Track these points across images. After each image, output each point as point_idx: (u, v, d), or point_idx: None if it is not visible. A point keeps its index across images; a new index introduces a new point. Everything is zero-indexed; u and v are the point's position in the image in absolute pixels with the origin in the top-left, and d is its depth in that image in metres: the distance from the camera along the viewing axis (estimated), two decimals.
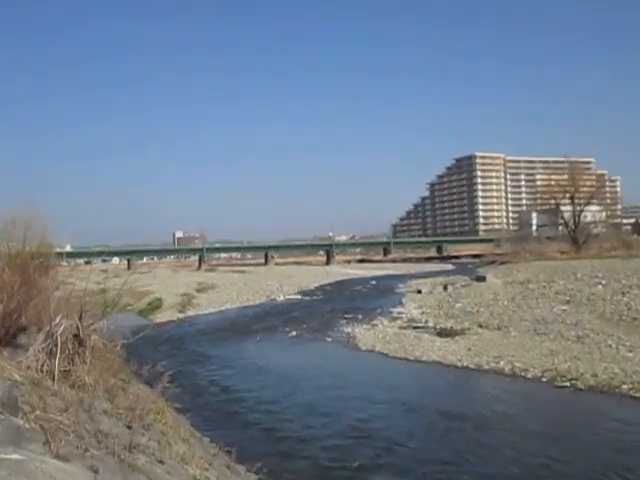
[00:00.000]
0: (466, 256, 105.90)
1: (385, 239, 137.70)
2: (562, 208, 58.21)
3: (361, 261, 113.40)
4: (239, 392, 16.02)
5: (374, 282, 58.48)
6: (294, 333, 26.20)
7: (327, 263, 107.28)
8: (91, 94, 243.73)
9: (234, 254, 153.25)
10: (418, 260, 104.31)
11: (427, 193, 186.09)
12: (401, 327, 25.67)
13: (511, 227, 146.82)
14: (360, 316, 30.45)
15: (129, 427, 6.15)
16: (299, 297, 45.64)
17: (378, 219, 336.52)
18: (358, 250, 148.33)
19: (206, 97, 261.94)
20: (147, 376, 8.08)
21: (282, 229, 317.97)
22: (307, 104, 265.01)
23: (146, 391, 8.41)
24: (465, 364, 17.85)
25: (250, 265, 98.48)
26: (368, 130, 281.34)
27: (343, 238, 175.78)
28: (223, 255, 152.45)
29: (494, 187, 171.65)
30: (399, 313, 30.43)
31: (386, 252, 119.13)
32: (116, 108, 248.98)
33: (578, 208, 55.44)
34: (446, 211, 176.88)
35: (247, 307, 40.18)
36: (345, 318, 30.18)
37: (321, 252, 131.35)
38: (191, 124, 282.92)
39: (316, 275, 70.36)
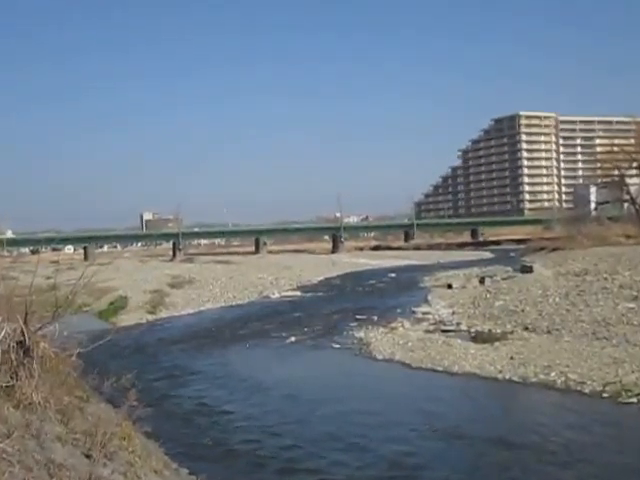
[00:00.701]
0: (508, 241, 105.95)
1: (406, 221, 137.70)
2: (628, 181, 58.01)
3: (376, 248, 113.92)
4: (225, 414, 16.11)
5: (393, 274, 58.62)
6: (293, 339, 26.32)
7: (334, 251, 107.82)
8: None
9: (217, 240, 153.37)
10: (448, 247, 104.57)
11: (459, 163, 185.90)
12: (427, 331, 25.76)
13: (564, 205, 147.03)
14: (375, 317, 30.57)
15: (88, 456, 6.18)
16: (299, 294, 45.80)
17: (397, 196, 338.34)
18: (372, 235, 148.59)
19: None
20: (110, 393, 8.11)
21: (278, 209, 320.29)
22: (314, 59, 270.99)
23: (109, 412, 8.44)
24: (507, 376, 17.90)
25: (237, 254, 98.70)
26: (383, 90, 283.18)
27: (354, 220, 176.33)
28: (204, 242, 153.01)
29: (543, 155, 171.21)
30: (424, 313, 30.53)
31: (408, 237, 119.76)
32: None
33: None
34: (483, 185, 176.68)
35: (234, 307, 40.36)
36: (356, 320, 30.33)
37: (326, 237, 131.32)
38: (169, 71, 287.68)
39: (320, 266, 70.56)
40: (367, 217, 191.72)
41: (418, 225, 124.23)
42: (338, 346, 24.26)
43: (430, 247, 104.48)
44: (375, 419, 14.71)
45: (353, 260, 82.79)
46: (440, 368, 19.34)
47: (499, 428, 13.89)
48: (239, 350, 25.17)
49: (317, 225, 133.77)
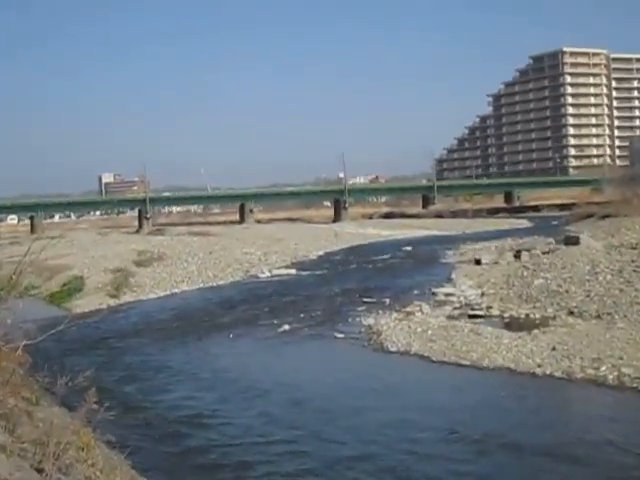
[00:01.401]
0: (549, 207, 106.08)
1: (425, 182, 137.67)
2: None
3: (388, 216, 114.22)
4: (202, 419, 16.17)
5: (409, 248, 58.82)
6: (286, 327, 26.43)
7: (336, 219, 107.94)
8: None
9: (193, 208, 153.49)
10: (476, 214, 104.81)
11: (489, 111, 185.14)
12: (450, 316, 25.87)
13: (617, 162, 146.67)
14: (387, 300, 30.70)
15: (39, 470, 6.20)
16: (293, 272, 45.94)
17: (413, 152, 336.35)
18: (384, 199, 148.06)
19: None
20: (64, 394, 8.10)
21: (268, 171, 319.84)
22: None
23: (63, 417, 8.46)
24: (548, 371, 17.98)
25: (218, 224, 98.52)
26: (395, 25, 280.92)
27: (360, 181, 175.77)
28: (176, 209, 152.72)
29: (592, 101, 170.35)
30: (447, 295, 30.63)
31: (427, 202, 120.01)
32: None
33: None
34: (518, 138, 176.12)
35: (214, 288, 40.53)
36: (364, 303, 30.46)
37: (327, 203, 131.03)
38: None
39: (319, 238, 70.60)
40: (377, 178, 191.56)
41: (439, 187, 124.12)
42: (342, 336, 24.35)
43: (454, 214, 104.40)
44: (400, 431, 14.54)
45: (360, 231, 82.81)
46: (467, 362, 19.42)
47: (547, 436, 13.87)
48: (221, 342, 25.27)
49: (316, 188, 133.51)
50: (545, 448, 13.17)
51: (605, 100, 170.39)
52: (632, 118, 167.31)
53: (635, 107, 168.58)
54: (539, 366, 18.39)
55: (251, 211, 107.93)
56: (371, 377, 19.19)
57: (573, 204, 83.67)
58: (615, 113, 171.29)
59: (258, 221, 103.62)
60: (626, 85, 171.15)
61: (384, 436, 14.28)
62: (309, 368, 21.15)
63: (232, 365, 21.69)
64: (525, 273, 32.12)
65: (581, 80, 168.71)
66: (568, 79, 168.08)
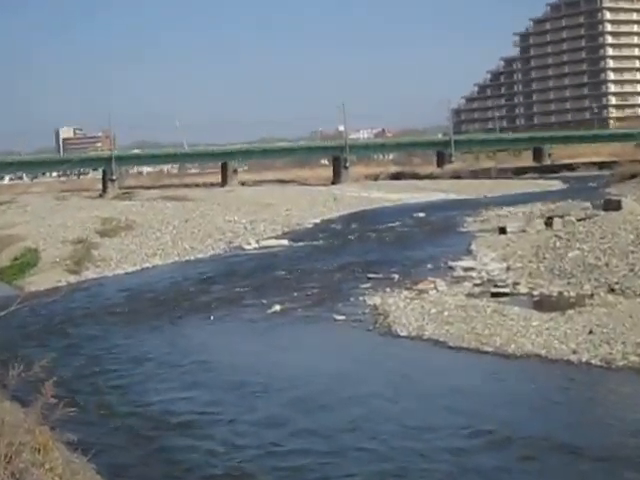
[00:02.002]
0: (586, 165, 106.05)
1: (440, 136, 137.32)
2: None
3: (397, 176, 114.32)
4: (183, 416, 16.15)
5: (421, 214, 58.90)
6: (277, 308, 26.43)
7: (335, 181, 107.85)
8: None
9: (168, 167, 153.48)
10: (500, 174, 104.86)
11: (515, 53, 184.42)
12: (470, 294, 25.91)
13: None
14: (396, 276, 30.79)
15: None
16: (285, 243, 45.97)
17: (426, 101, 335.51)
18: (391, 157, 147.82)
19: None
20: (17, 387, 8.08)
21: (256, 123, 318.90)
22: None
23: (16, 413, 8.43)
24: (585, 358, 17.99)
25: (197, 187, 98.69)
26: None
27: (364, 136, 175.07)
28: (147, 170, 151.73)
29: (635, 40, 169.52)
30: (466, 269, 30.74)
31: (442, 160, 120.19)
32: None
33: None
34: (550, 84, 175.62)
35: (192, 263, 40.59)
36: (369, 280, 30.54)
37: (324, 162, 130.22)
38: None
39: (315, 203, 70.62)
40: (383, 132, 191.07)
41: (457, 143, 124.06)
42: (342, 317, 24.35)
43: (474, 174, 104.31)
44: (423, 439, 14.12)
45: (363, 194, 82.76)
46: (489, 348, 19.42)
47: (598, 436, 13.75)
48: (200, 325, 25.28)
49: (311, 144, 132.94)
50: (602, 451, 12.91)
51: None
52: None
53: None
54: (574, 352, 18.39)
55: (235, 171, 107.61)
56: (378, 367, 19.18)
57: (614, 162, 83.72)
58: None
59: (243, 183, 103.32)
60: None
61: (409, 444, 13.92)
62: (305, 357, 21.08)
63: (213, 353, 21.69)
64: (558, 244, 32.11)
65: (623, 16, 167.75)
66: (608, 15, 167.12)
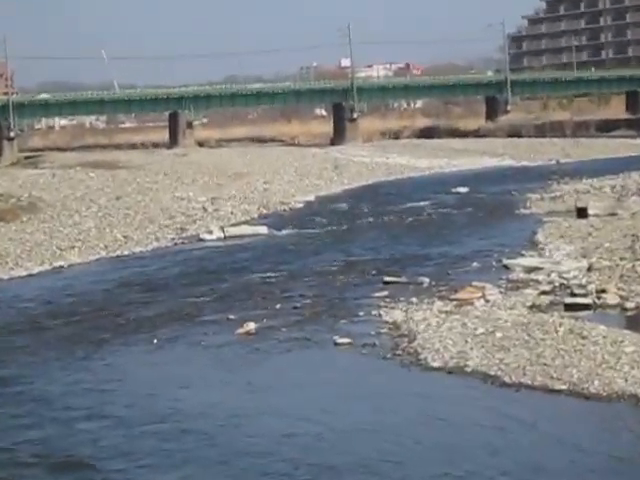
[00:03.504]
0: None
1: (490, 75, 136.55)
2: None
3: (427, 133, 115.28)
4: None
5: (463, 189, 59.26)
6: (251, 326, 26.24)
7: (337, 140, 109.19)
8: None
9: (90, 120, 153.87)
10: (579, 129, 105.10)
11: None
12: (534, 306, 25.89)
13: None
14: (426, 279, 30.80)
15: None
16: (263, 231, 45.94)
17: (468, 22, 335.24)
18: (419, 105, 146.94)
19: None
20: None
21: (220, 54, 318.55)
22: None
23: None
24: None
25: (133, 148, 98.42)
26: None
27: (379, 74, 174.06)
28: (61, 123, 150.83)
29: None
30: (529, 270, 30.80)
31: (494, 110, 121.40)
32: None
33: None
34: None
35: (126, 260, 40.55)
36: (386, 285, 30.61)
37: (321, 112, 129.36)
38: None
39: (308, 172, 70.99)
40: (408, 68, 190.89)
41: (516, 84, 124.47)
42: (346, 341, 24.18)
43: (541, 131, 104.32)
44: None
45: (378, 159, 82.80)
46: (563, 385, 19.25)
47: None
48: (136, 353, 24.99)
49: (301, 86, 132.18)
50: None
51: None
52: None
53: None
54: None
55: (190, 126, 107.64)
56: (404, 422, 18.52)
57: None
58: None
59: (201, 144, 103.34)
60: None
61: None
62: (292, 405, 20.29)
63: (156, 397, 21.24)
64: None
65: None
66: None
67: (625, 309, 25.11)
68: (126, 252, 41.92)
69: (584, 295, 26.50)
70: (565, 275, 29.34)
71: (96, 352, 25.49)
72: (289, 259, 37.74)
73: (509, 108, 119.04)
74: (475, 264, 32.84)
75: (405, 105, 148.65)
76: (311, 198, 58.90)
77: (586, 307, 25.32)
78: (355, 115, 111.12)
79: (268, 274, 34.49)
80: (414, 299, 27.81)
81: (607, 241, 32.98)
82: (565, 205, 44.58)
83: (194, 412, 19.71)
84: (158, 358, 24.59)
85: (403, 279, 31.12)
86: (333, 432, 17.97)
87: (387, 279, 31.27)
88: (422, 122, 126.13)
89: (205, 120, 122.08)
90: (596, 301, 25.90)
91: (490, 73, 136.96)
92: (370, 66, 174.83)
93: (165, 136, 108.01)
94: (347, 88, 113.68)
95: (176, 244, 43.94)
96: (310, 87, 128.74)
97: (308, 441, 17.55)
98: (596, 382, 19.30)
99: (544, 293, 27.42)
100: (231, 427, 18.80)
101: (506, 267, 31.57)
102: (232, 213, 51.56)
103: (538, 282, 28.81)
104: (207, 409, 20.02)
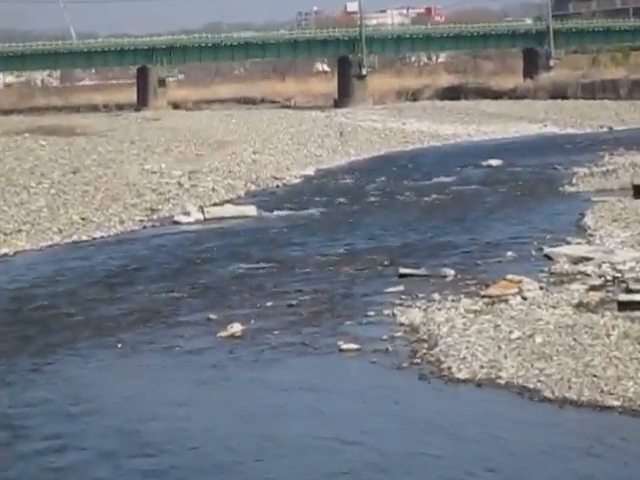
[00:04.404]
0: None
1: (529, 23, 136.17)
2: None
3: (453, 94, 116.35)
4: None
5: (496, 161, 59.51)
6: (237, 328, 26.27)
7: (342, 102, 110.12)
8: None
9: (43, 75, 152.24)
10: (635, 89, 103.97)
11: None
12: (581, 304, 25.88)
13: None
14: (451, 271, 30.87)
15: None
16: (252, 212, 45.99)
17: None
18: (443, 59, 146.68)
19: None
20: None
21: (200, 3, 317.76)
22: None
23: None
24: None
25: (95, 110, 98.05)
26: None
27: (394, 21, 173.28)
28: (6, 79, 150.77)
29: None
30: (575, 260, 30.79)
31: (533, 66, 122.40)
32: None
33: None
34: None
35: (85, 247, 40.60)
36: (402, 277, 30.72)
37: (322, 67, 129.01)
38: None
39: (307, 140, 71.45)
40: (430, 14, 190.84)
41: (560, 34, 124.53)
42: (353, 346, 24.18)
43: (590, 91, 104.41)
44: None
45: (391, 125, 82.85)
46: (616, 402, 19.23)
47: None
48: (97, 360, 24.96)
49: (299, 35, 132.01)
50: None
51: None
52: None
53: None
54: None
55: (163, 84, 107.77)
56: (424, 452, 18.26)
57: None
58: None
59: (176, 105, 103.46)
60: None
61: None
62: (291, 427, 20.09)
63: (116, 417, 21.19)
64: None
65: None
66: None
67: None
68: (85, 237, 41.88)
69: None
70: (620, 267, 29.30)
71: (46, 362, 25.34)
72: (283, 246, 37.85)
73: (552, 64, 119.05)
74: (510, 253, 32.87)
75: (425, 59, 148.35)
76: (310, 172, 58.97)
77: None
78: (364, 71, 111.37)
79: (257, 265, 34.57)
80: (436, 296, 27.80)
81: None
82: (619, 182, 44.55)
83: (155, 440, 19.23)
84: (122, 367, 24.54)
85: (422, 271, 31.17)
86: (331, 462, 17.53)
87: (403, 271, 31.30)
88: (446, 80, 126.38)
89: (181, 77, 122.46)
90: None
91: (529, 21, 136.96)
92: (383, 11, 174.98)
93: (132, 96, 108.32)
94: (354, 38, 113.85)
95: (145, 228, 43.99)
96: (309, 36, 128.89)
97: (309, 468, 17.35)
98: None
99: (594, 289, 27.41)
100: (214, 450, 18.46)
101: (548, 257, 31.57)
102: (214, 190, 51.55)
103: (586, 275, 28.85)
104: (174, 435, 19.45)
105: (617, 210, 37.65)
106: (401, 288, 29.17)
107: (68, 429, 20.25)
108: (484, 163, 58.22)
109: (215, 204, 48.04)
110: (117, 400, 22.15)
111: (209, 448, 18.51)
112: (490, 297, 27.05)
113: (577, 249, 32.22)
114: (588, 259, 30.65)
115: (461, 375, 21.54)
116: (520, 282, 28.03)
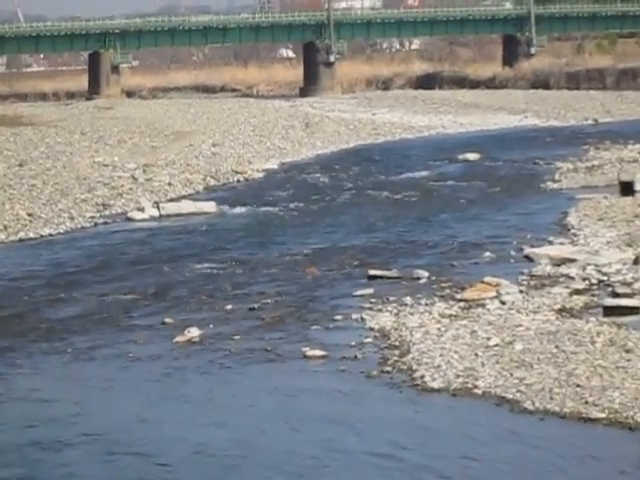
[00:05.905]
0: None
1: (507, 7, 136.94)
2: None
3: (427, 83, 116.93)
4: None
5: (473, 155, 59.73)
6: (194, 333, 26.29)
7: (308, 90, 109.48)
8: None
9: None
10: (624, 79, 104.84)
11: None
12: (564, 309, 26.04)
13: None
14: (424, 273, 30.92)
15: None
16: (211, 209, 46.01)
17: None
18: (415, 45, 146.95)
19: None
20: None
21: None
22: None
23: None
24: None
25: (43, 99, 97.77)
26: None
27: (364, 4, 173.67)
28: None
29: None
30: (558, 262, 30.86)
31: (513, 53, 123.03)
32: None
33: None
34: None
35: (32, 245, 40.55)
36: (371, 279, 30.78)
37: (287, 53, 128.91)
38: None
39: (270, 131, 71.29)
40: None
41: (542, 19, 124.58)
42: (320, 353, 24.25)
43: (574, 80, 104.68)
44: None
45: (360, 115, 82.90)
46: (601, 413, 19.31)
47: None
48: (48, 365, 24.97)
49: (262, 19, 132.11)
50: None
51: None
52: None
53: None
54: None
55: (116, 70, 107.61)
56: (392, 463, 18.37)
57: None
58: None
59: (130, 93, 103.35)
60: None
61: None
62: (250, 445, 20.13)
63: (62, 427, 21.14)
64: None
65: None
66: None
67: None
68: (32, 234, 41.77)
69: (629, 295, 26.60)
70: (605, 269, 29.43)
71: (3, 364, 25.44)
72: (244, 246, 37.82)
73: (533, 51, 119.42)
74: (488, 254, 32.95)
75: (398, 46, 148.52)
76: (274, 166, 58.98)
77: (632, 311, 25.32)
78: (332, 58, 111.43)
79: (216, 265, 34.58)
80: (408, 299, 27.89)
81: None
82: (605, 178, 44.69)
83: (121, 448, 19.27)
84: (71, 374, 24.50)
85: (393, 272, 31.21)
86: None
87: (372, 272, 31.32)
88: (420, 68, 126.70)
89: (135, 63, 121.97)
90: None
91: (508, 5, 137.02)
92: None
93: (84, 84, 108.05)
94: (322, 22, 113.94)
95: (96, 224, 43.83)
96: (273, 21, 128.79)
97: None
98: None
99: (577, 292, 27.54)
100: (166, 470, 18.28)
101: (528, 258, 31.70)
102: (170, 185, 51.54)
103: (570, 278, 28.96)
104: (142, 443, 19.57)
105: (603, 208, 37.74)
106: (371, 291, 29.24)
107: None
108: (460, 157, 58.38)
109: (171, 200, 48.00)
110: (59, 414, 21.90)
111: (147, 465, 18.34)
112: (466, 301, 27.13)
113: (560, 250, 32.27)
114: (571, 260, 30.72)
115: (435, 384, 21.57)
116: (498, 285, 28.12)
